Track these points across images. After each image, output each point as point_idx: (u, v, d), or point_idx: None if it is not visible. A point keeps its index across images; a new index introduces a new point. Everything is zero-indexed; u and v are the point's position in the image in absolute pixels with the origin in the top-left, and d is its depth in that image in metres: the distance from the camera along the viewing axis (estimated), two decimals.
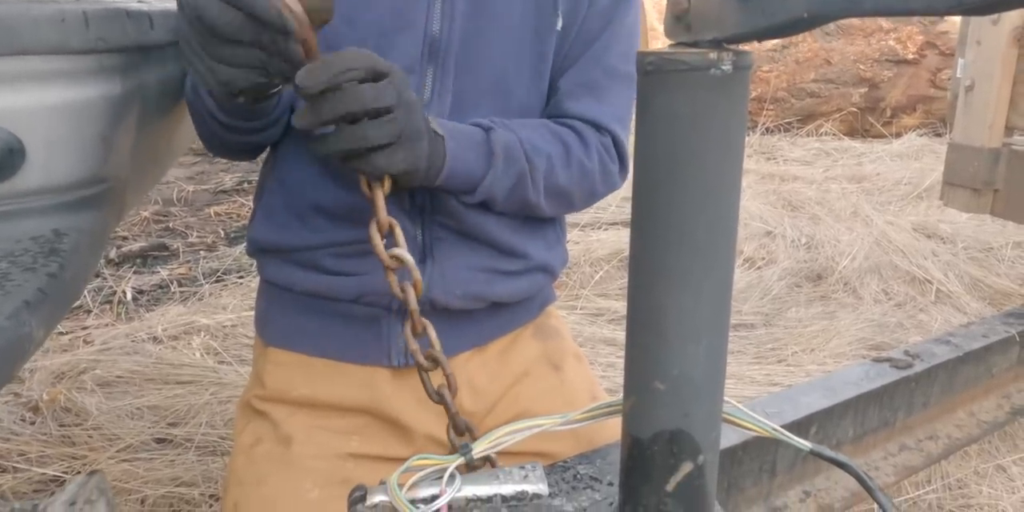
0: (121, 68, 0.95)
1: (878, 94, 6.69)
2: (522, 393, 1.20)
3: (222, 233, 4.22)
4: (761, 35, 0.57)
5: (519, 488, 0.75)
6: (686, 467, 0.68)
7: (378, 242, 0.87)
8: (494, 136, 0.99)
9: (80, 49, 0.89)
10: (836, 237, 3.88)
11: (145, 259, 3.79)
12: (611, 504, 0.81)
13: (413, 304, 0.89)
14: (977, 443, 2.05)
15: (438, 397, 0.92)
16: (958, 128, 2.49)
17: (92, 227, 0.96)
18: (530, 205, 1.07)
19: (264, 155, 1.16)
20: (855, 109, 6.70)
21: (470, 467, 0.76)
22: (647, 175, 0.63)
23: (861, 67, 6.66)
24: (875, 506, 1.85)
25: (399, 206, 1.04)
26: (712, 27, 0.59)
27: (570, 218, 2.72)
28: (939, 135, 6.44)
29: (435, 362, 0.91)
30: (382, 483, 0.71)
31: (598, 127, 1.10)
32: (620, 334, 2.92)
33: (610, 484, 0.86)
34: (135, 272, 3.57)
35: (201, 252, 3.89)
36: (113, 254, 3.72)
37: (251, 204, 4.74)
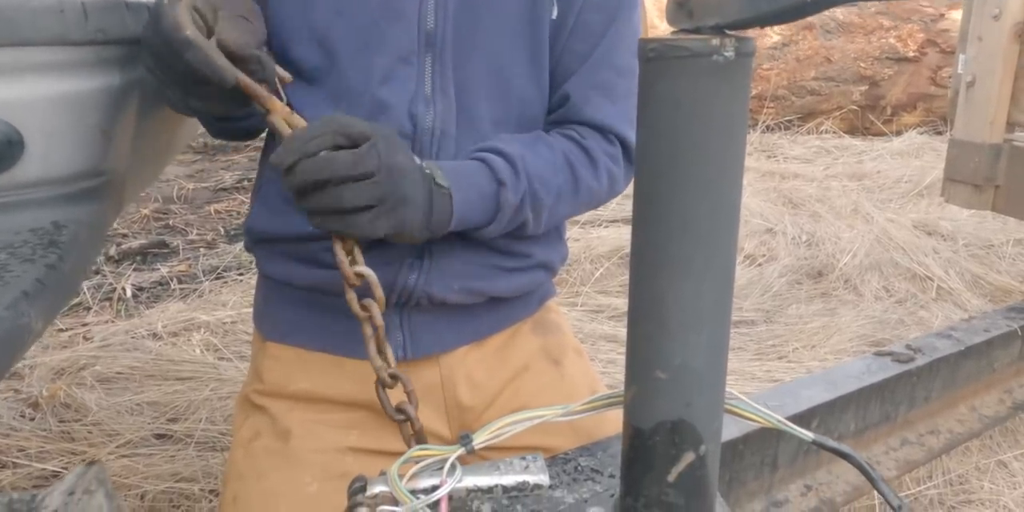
0: (120, 60, 0.95)
1: (878, 92, 6.69)
2: (521, 388, 1.20)
3: (222, 230, 4.21)
4: (764, 21, 0.56)
5: (520, 479, 0.74)
6: (688, 457, 0.68)
7: (343, 259, 0.88)
8: (504, 195, 0.98)
9: (79, 40, 0.89)
10: (837, 234, 3.87)
11: (145, 256, 3.78)
12: (612, 495, 0.80)
13: (378, 320, 0.90)
14: (978, 438, 2.04)
15: (399, 414, 0.93)
16: (959, 124, 2.48)
17: (91, 219, 0.96)
18: (528, 232, 1.07)
19: (262, 145, 1.16)
20: (855, 107, 6.69)
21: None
22: (649, 163, 0.63)
23: (862, 65, 6.65)
24: (876, 501, 1.85)
25: None
26: (714, 13, 0.58)
27: None
28: (939, 133, 6.43)
29: (395, 379, 0.92)
30: (382, 474, 0.71)
31: (613, 135, 1.10)
32: (620, 331, 2.92)
33: (611, 476, 0.86)
34: (135, 269, 3.57)
35: (201, 249, 3.88)
36: (113, 251, 3.72)
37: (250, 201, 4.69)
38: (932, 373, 1.70)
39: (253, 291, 1.26)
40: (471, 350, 1.16)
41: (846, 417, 1.52)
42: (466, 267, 1.08)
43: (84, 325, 2.92)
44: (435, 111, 1.01)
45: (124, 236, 4.00)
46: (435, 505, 0.67)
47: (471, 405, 1.15)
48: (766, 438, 1.37)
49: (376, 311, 0.89)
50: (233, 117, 1.04)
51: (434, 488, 0.70)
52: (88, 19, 0.89)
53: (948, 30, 6.62)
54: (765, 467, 1.40)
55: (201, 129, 1.17)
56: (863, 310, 3.18)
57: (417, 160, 0.91)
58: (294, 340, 1.14)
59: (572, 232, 3.81)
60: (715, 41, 0.57)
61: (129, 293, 3.25)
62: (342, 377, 1.11)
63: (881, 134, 6.58)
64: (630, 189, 1.19)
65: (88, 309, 3.08)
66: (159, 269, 3.56)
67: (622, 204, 4.15)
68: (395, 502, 0.68)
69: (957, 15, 6.49)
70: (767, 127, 6.54)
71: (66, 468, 1.98)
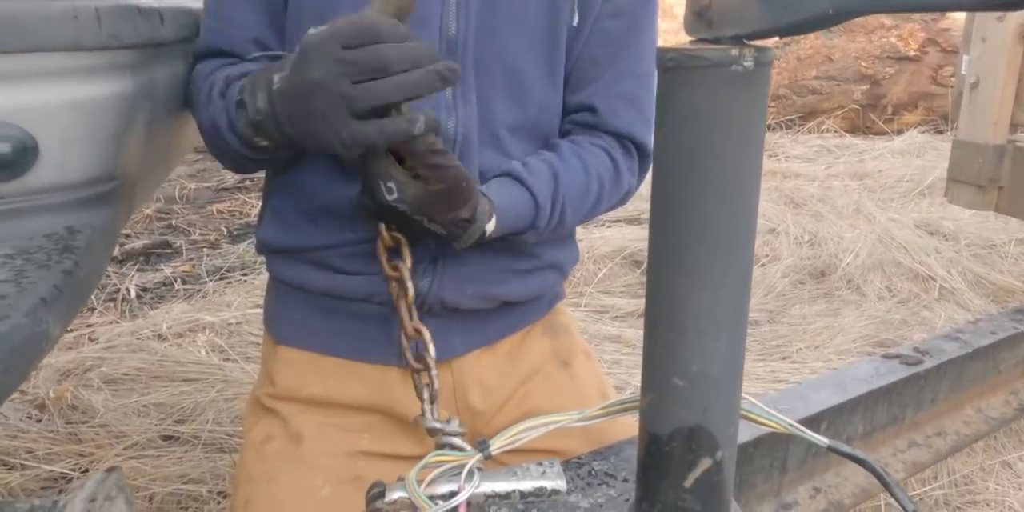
0: (133, 65, 0.95)
1: (879, 91, 6.69)
2: (532, 391, 1.20)
3: (225, 230, 4.22)
4: (784, 31, 0.57)
5: (537, 484, 0.75)
6: (704, 463, 0.68)
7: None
8: (539, 219, 1.02)
9: (92, 46, 0.89)
10: (839, 234, 3.87)
11: (148, 257, 3.79)
12: (627, 500, 0.81)
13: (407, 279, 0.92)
14: (984, 440, 2.05)
15: (418, 362, 0.94)
16: (963, 125, 2.48)
17: (104, 224, 0.96)
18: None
19: None
20: (856, 106, 6.69)
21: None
22: (667, 171, 0.63)
23: (863, 64, 6.65)
24: (882, 503, 1.85)
25: None
26: (734, 23, 0.59)
27: None
28: (940, 132, 6.43)
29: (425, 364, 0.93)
30: (400, 479, 0.71)
31: (632, 143, 1.11)
32: (624, 331, 2.92)
33: (625, 480, 0.86)
34: (139, 270, 3.57)
35: (204, 250, 3.89)
36: (116, 252, 3.72)
37: (254, 201, 4.71)
38: (939, 375, 1.70)
39: (258, 292, 1.26)
40: (483, 354, 1.16)
41: (855, 420, 1.52)
42: (479, 272, 1.08)
43: (89, 326, 2.93)
44: (456, 117, 1.01)
45: (127, 236, 4.00)
46: (454, 511, 0.68)
47: (483, 409, 1.16)
48: (776, 441, 1.37)
49: (405, 271, 0.92)
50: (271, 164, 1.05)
51: (452, 494, 0.70)
52: (101, 25, 0.89)
53: (949, 29, 6.62)
54: (774, 470, 1.40)
55: None
56: (866, 310, 3.18)
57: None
58: (306, 344, 1.14)
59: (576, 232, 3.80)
60: (734, 51, 0.57)
61: (133, 294, 3.26)
62: (355, 381, 1.11)
63: (882, 133, 6.59)
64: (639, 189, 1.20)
65: (92, 310, 3.08)
66: (163, 269, 3.57)
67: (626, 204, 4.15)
68: (414, 508, 0.68)
69: (958, 14, 6.49)
70: (768, 126, 6.54)
71: (74, 470, 1.99)
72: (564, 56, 1.06)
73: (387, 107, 0.79)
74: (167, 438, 2.18)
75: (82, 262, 0.86)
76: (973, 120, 2.43)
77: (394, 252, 0.96)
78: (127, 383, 2.44)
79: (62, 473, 1.98)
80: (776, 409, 0.78)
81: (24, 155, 0.86)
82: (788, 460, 1.42)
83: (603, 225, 4.05)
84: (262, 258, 1.41)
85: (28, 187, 0.88)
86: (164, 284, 3.42)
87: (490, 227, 0.95)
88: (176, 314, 2.97)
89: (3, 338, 0.70)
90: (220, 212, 4.53)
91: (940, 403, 1.75)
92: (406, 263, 0.94)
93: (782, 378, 2.59)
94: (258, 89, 0.85)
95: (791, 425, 0.74)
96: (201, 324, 2.86)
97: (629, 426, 0.97)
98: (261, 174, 1.17)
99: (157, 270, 3.57)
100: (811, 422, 1.41)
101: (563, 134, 1.12)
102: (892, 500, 1.54)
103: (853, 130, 6.67)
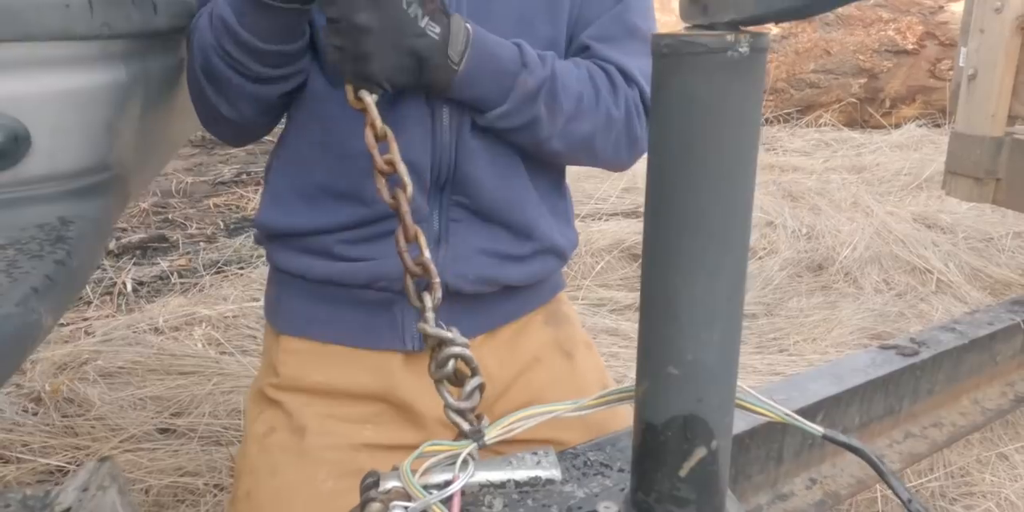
0: (125, 54, 0.95)
1: (877, 85, 6.68)
2: (534, 380, 1.20)
3: (221, 224, 4.21)
4: (780, 16, 0.56)
5: (532, 473, 0.74)
6: (699, 452, 0.68)
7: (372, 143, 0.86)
8: (523, 77, 0.99)
9: (85, 35, 0.89)
10: (836, 227, 3.87)
11: (145, 250, 3.78)
12: (622, 490, 0.80)
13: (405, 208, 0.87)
14: (980, 431, 2.05)
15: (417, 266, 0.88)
16: (961, 117, 2.48)
17: (97, 215, 0.96)
18: (541, 136, 1.06)
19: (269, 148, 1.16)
20: (854, 100, 6.69)
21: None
22: (662, 159, 0.62)
23: (860, 58, 6.64)
24: (878, 494, 1.85)
25: (418, 185, 1.03)
26: (729, 9, 0.58)
27: None
28: (938, 126, 6.43)
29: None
30: (395, 469, 0.71)
31: (627, 77, 1.09)
32: (622, 324, 2.92)
33: (620, 470, 0.86)
34: (135, 263, 3.56)
35: (201, 243, 3.88)
36: (113, 245, 3.71)
37: (250, 195, 4.70)
38: (936, 366, 1.70)
39: (254, 285, 1.26)
40: (484, 340, 1.16)
41: (851, 410, 1.52)
42: (480, 255, 1.08)
43: (85, 319, 2.92)
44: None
45: (123, 230, 4.00)
46: (448, 500, 0.67)
47: (483, 396, 1.15)
48: (772, 432, 1.37)
49: (403, 199, 0.86)
50: (274, 70, 1.01)
51: (447, 483, 0.70)
52: (93, 13, 0.88)
53: (947, 22, 6.62)
54: (770, 461, 1.40)
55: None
56: (863, 303, 3.18)
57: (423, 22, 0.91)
58: (309, 333, 1.14)
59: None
60: (730, 37, 0.57)
61: (129, 287, 3.25)
62: (358, 369, 1.11)
63: (880, 127, 6.59)
64: (631, 181, 1.19)
65: (89, 303, 3.08)
66: (159, 263, 3.56)
67: (622, 197, 4.15)
68: (408, 497, 0.68)
69: (956, 7, 6.49)
70: (766, 120, 6.54)
71: (70, 463, 1.99)
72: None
73: None
74: (163, 431, 2.17)
75: (74, 252, 0.86)
76: (971, 112, 2.43)
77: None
78: (123, 376, 2.43)
79: (58, 466, 1.98)
80: (772, 399, 0.77)
81: (16, 145, 0.86)
82: (784, 451, 1.42)
83: (600, 218, 4.04)
84: (259, 252, 1.39)
85: (20, 177, 0.88)
86: (160, 278, 3.41)
87: (469, 41, 0.94)
88: (172, 308, 2.97)
89: None
90: (216, 206, 4.52)
91: (936, 394, 1.75)
92: (395, 156, 0.86)
93: (779, 371, 2.59)
94: None
95: (786, 414, 0.74)
96: (197, 317, 2.86)
97: (627, 417, 0.97)
98: (259, 168, 1.17)
99: (153, 264, 3.57)
100: (807, 412, 1.41)
101: None
102: (889, 492, 1.54)
103: (851, 124, 6.66)
